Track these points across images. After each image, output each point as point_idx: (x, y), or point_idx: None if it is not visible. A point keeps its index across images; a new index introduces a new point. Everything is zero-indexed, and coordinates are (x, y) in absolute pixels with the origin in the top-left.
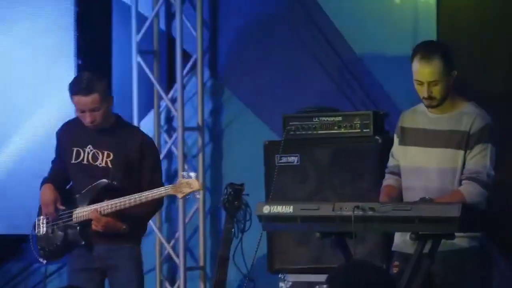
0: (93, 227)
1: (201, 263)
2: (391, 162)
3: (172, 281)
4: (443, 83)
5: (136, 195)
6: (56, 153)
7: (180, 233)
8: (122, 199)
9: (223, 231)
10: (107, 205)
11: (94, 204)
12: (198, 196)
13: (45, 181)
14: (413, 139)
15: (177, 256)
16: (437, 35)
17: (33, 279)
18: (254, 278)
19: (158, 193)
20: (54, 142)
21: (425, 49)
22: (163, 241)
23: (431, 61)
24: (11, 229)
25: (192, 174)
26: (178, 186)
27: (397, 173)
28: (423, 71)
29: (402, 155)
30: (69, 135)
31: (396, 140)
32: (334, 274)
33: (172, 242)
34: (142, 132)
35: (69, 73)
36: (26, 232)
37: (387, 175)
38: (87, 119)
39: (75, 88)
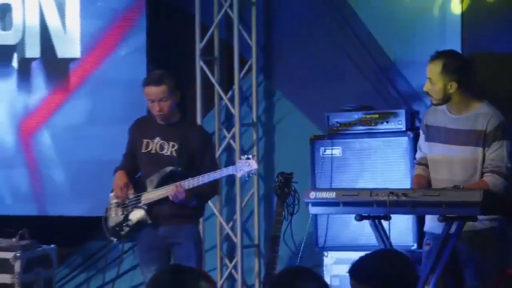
0: (172, 198)
1: (256, 242)
2: (418, 155)
3: (231, 258)
4: (437, 85)
5: (205, 175)
6: (127, 146)
7: (237, 216)
8: (193, 178)
9: (275, 214)
10: (185, 183)
11: (166, 186)
12: (254, 174)
13: (117, 169)
14: (436, 136)
15: (235, 235)
16: (461, 41)
17: (111, 255)
18: (302, 255)
19: (221, 172)
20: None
21: (435, 53)
22: (223, 222)
23: (433, 61)
24: (92, 211)
25: (250, 156)
26: (238, 166)
27: (424, 164)
28: (427, 68)
29: (428, 150)
30: (140, 129)
31: (422, 135)
32: (357, 264)
33: (231, 223)
34: (202, 127)
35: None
36: (100, 214)
37: (416, 166)
38: (156, 108)
39: (148, 80)
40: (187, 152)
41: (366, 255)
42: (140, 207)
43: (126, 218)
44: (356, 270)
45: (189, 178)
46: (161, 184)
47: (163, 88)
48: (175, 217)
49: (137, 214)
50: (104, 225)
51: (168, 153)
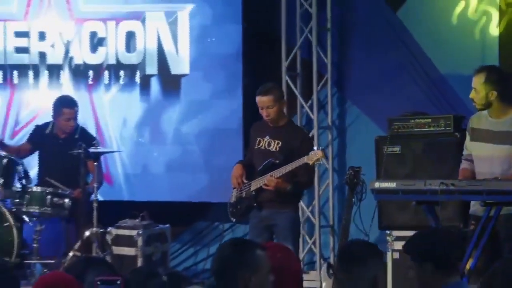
0: (266, 186)
1: (331, 223)
2: (465, 152)
3: (310, 236)
4: (480, 93)
5: (289, 164)
6: (249, 144)
7: (316, 201)
8: (284, 167)
9: (346, 201)
10: (275, 172)
11: (265, 175)
12: (322, 162)
13: (238, 162)
14: (480, 137)
15: (314, 217)
16: (499, 57)
17: (213, 233)
18: (369, 234)
19: (299, 161)
20: None
21: (479, 67)
22: (304, 207)
23: (477, 73)
24: (196, 197)
25: (319, 148)
26: (310, 156)
27: (470, 160)
28: (472, 79)
29: (473, 148)
30: (256, 130)
31: (468, 136)
32: (410, 242)
33: (310, 208)
34: (303, 131)
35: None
36: (206, 200)
37: (463, 161)
38: (264, 114)
39: (258, 91)
40: (288, 149)
41: (417, 234)
42: (249, 192)
43: (239, 203)
44: (409, 247)
45: (280, 168)
46: (265, 174)
47: (269, 97)
48: (273, 201)
49: (246, 199)
50: (228, 209)
51: (274, 149)
